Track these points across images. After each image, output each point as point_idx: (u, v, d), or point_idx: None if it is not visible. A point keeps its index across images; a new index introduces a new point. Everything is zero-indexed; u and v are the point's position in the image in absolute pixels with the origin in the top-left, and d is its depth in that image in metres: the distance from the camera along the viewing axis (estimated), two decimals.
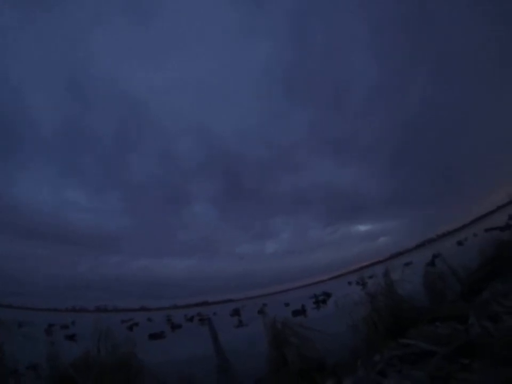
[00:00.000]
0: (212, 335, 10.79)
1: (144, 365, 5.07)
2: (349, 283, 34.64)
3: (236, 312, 27.61)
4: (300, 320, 13.80)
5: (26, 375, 5.90)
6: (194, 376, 5.53)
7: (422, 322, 4.66)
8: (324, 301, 22.41)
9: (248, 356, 7.55)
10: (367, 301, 6.45)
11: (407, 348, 3.74)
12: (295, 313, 16.45)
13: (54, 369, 5.81)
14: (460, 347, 3.30)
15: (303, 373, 4.38)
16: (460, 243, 25.40)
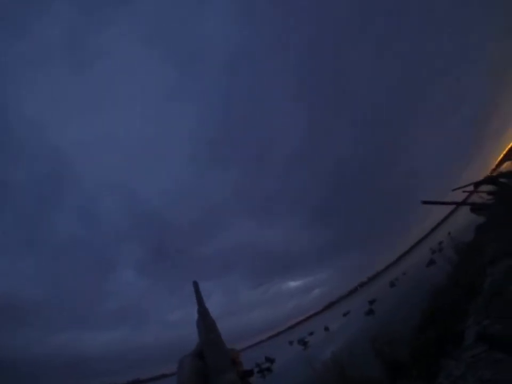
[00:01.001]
0: None
1: None
2: (290, 343, 33.53)
3: None
4: None
5: None
6: None
7: None
8: (269, 369, 20.48)
9: None
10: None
11: None
12: None
13: None
14: None
15: None
16: (392, 284, 25.50)
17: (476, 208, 9.30)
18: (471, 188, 9.01)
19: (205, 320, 0.57)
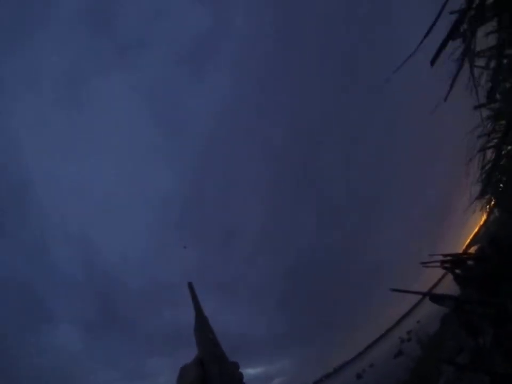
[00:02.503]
0: None
1: None
2: None
3: None
4: None
5: None
6: None
7: None
8: None
9: None
10: None
11: None
12: None
13: None
14: None
15: None
16: (359, 376, 23.88)
17: (435, 298, 9.34)
18: (437, 263, 9.08)
19: (206, 332, 0.55)
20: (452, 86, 3.12)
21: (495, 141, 4.83)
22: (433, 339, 9.62)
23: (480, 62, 3.64)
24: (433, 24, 2.65)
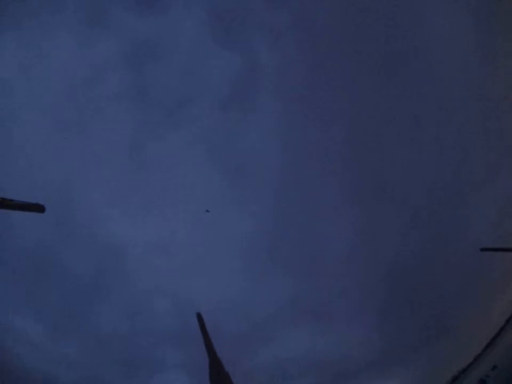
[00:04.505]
0: None
1: None
2: None
3: None
4: None
5: None
6: None
7: None
8: None
9: None
10: None
11: None
12: None
13: None
14: None
15: None
16: (482, 382, 21.65)
17: None
18: None
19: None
20: None
21: None
22: None
23: None
24: None
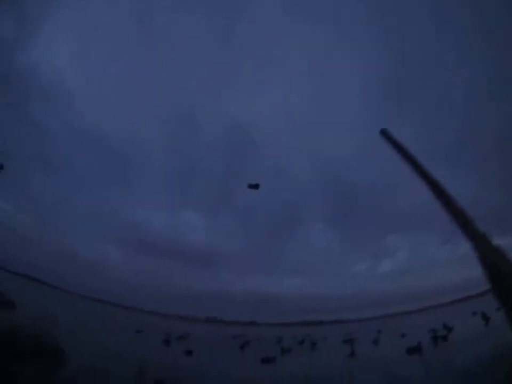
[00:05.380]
0: None
1: None
2: (473, 313, 30.43)
3: (349, 340, 25.60)
4: (414, 359, 11.98)
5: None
6: None
7: None
8: (445, 337, 19.08)
9: None
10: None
11: None
12: (410, 350, 15.03)
13: None
14: None
15: None
16: None
17: None
18: None
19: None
20: None
21: None
22: None
23: None
24: None
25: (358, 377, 9.88)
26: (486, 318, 22.93)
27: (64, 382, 5.73)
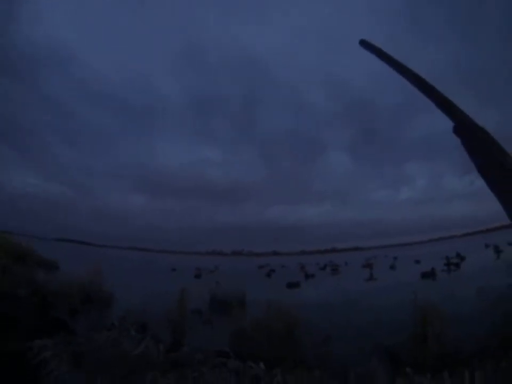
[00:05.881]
0: None
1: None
2: (486, 246, 31.97)
3: (368, 265, 27.77)
4: (428, 283, 12.99)
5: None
6: None
7: None
8: (457, 265, 20.62)
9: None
10: None
11: None
12: (424, 275, 16.31)
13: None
14: None
15: (440, 356, 4.37)
16: None
17: None
18: None
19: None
20: None
21: None
22: None
23: None
24: None
25: (376, 297, 10.68)
26: (498, 251, 23.73)
27: (116, 321, 6.25)
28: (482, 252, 28.50)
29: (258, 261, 55.41)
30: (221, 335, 5.78)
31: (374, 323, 6.67)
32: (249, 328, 5.48)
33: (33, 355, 3.89)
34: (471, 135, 1.19)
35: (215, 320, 7.89)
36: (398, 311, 6.67)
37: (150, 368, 3.73)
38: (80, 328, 5.56)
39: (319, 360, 4.41)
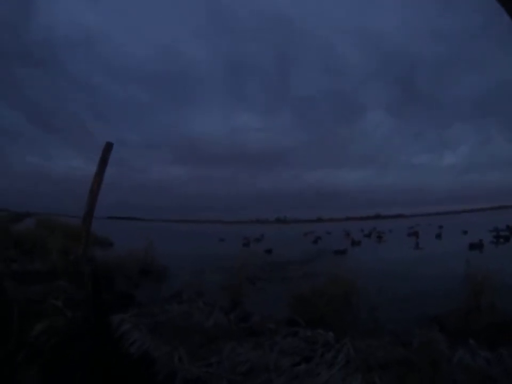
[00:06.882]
0: None
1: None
2: None
3: (414, 233, 27.52)
4: (475, 255, 12.97)
5: None
6: None
7: None
8: (507, 238, 19.66)
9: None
10: None
11: None
12: (472, 246, 16.05)
13: None
14: None
15: (492, 325, 4.51)
16: None
17: None
18: None
19: None
20: None
21: None
22: None
23: None
24: None
25: (425, 266, 10.81)
26: None
27: (172, 292, 6.57)
28: None
29: (303, 227, 54.64)
30: (280, 302, 5.91)
31: (425, 293, 6.94)
32: (309, 294, 5.62)
33: (113, 329, 4.16)
34: None
35: (271, 287, 8.13)
36: (448, 281, 6.92)
37: (226, 337, 3.86)
38: (144, 301, 5.90)
39: (378, 327, 4.72)
